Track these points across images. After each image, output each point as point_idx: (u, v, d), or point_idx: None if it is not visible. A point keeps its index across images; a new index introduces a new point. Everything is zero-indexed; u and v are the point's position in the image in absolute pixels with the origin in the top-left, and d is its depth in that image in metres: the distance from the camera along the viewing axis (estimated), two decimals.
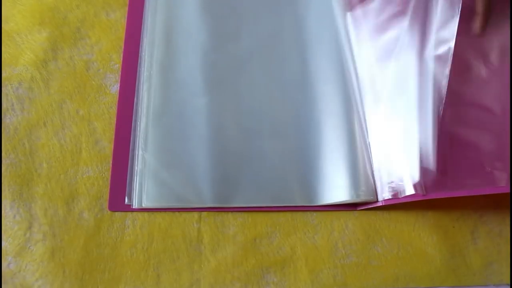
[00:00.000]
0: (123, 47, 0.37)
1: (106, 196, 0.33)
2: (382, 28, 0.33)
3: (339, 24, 0.36)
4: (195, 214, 0.33)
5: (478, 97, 0.32)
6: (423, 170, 0.29)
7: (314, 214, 0.33)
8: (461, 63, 0.33)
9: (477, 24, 0.33)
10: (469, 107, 0.32)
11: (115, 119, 0.35)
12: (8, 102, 0.35)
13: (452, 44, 0.30)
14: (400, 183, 0.29)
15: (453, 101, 0.31)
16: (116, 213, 0.33)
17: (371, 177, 0.32)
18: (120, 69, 0.36)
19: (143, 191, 0.32)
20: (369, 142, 0.33)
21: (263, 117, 0.35)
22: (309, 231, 0.33)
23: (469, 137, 0.31)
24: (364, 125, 0.33)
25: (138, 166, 0.33)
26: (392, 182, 0.30)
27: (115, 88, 0.36)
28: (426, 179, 0.28)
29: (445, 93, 0.30)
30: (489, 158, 0.30)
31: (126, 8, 0.38)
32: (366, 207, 0.33)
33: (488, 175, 0.29)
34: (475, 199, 0.33)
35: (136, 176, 0.32)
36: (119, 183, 0.33)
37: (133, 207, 0.32)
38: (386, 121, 0.32)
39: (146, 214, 0.33)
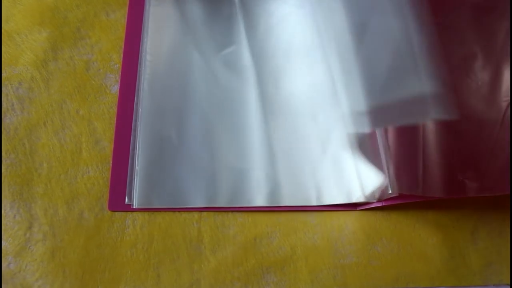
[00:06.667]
0: (123, 47, 0.37)
1: (106, 196, 0.33)
2: None
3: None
4: (195, 214, 0.33)
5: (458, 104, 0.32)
6: (400, 174, 0.29)
7: (314, 214, 0.33)
8: (442, 72, 0.33)
9: None
10: None
11: (115, 119, 0.35)
12: (8, 102, 0.35)
13: None
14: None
15: None
16: (116, 213, 0.33)
17: (371, 177, 0.32)
18: (120, 69, 0.36)
19: (142, 190, 0.32)
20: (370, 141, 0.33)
21: (263, 116, 0.35)
22: (309, 231, 0.33)
23: (444, 145, 0.31)
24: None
25: (138, 166, 0.33)
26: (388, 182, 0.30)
27: (115, 88, 0.36)
28: (401, 184, 0.28)
29: None
30: (462, 168, 0.30)
31: (126, 8, 0.38)
32: (366, 207, 0.33)
33: (459, 184, 0.29)
34: (475, 199, 0.34)
35: (136, 176, 0.32)
36: (119, 183, 0.33)
37: (133, 207, 0.32)
38: None
39: (146, 214, 0.33)
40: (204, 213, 0.33)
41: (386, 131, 0.30)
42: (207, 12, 0.38)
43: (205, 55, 0.36)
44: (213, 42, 0.37)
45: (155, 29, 0.37)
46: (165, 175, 0.33)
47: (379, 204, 0.31)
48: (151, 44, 0.36)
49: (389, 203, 0.30)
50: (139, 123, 0.34)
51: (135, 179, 0.32)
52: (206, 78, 0.36)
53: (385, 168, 0.29)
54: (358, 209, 0.33)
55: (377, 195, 0.31)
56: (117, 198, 0.33)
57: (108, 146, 0.34)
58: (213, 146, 0.33)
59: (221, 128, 0.34)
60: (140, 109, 0.34)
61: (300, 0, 0.37)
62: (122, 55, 0.37)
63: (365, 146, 0.32)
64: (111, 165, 0.33)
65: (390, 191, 0.29)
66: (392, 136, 0.30)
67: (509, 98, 0.32)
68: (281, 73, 0.36)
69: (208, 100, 0.35)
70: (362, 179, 0.31)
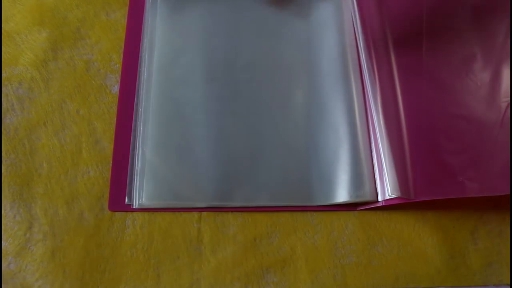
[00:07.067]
0: (123, 47, 0.37)
1: (106, 196, 0.33)
2: None
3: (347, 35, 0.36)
4: (195, 214, 0.33)
5: (455, 106, 0.32)
6: (400, 176, 0.29)
7: (314, 214, 0.33)
8: (442, 72, 0.33)
9: None
10: (447, 116, 0.32)
11: (115, 119, 0.35)
12: (8, 102, 0.35)
13: None
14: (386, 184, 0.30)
15: (432, 109, 0.32)
16: (116, 213, 0.33)
17: (371, 177, 0.32)
18: (120, 69, 0.36)
19: (142, 189, 0.32)
20: (370, 142, 0.33)
21: (263, 116, 0.35)
22: (309, 231, 0.33)
23: (444, 146, 0.31)
24: (365, 125, 0.33)
25: (138, 166, 0.33)
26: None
27: (115, 88, 0.36)
28: (401, 185, 0.29)
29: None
30: (462, 168, 0.30)
31: (126, 8, 0.38)
32: (366, 207, 0.33)
33: (459, 184, 0.29)
34: (475, 199, 0.34)
35: (136, 176, 0.32)
36: (119, 183, 0.33)
37: (133, 207, 0.32)
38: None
39: (146, 214, 0.33)
40: (204, 213, 0.33)
41: (385, 133, 0.30)
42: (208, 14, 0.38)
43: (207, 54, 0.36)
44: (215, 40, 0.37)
45: (157, 29, 0.37)
46: (172, 174, 0.33)
47: (379, 204, 0.31)
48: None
49: (389, 203, 0.30)
50: (138, 122, 0.34)
51: (135, 179, 0.32)
52: (212, 78, 0.36)
53: (384, 169, 0.29)
54: (358, 209, 0.33)
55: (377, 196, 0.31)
56: (117, 198, 0.33)
57: (108, 146, 0.34)
58: (213, 143, 0.33)
59: (230, 127, 0.34)
60: (140, 109, 0.34)
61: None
62: (122, 55, 0.37)
63: (365, 148, 0.33)
64: (111, 165, 0.33)
65: (389, 193, 0.29)
66: (386, 138, 0.30)
67: (509, 98, 0.32)
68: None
69: (214, 99, 0.35)
70: (363, 179, 0.31)
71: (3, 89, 0.36)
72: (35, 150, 0.34)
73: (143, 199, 0.32)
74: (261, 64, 0.36)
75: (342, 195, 0.32)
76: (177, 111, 0.34)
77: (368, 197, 0.31)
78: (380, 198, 0.31)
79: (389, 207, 0.33)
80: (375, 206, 0.32)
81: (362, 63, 0.33)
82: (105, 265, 0.31)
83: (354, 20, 0.35)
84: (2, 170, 0.33)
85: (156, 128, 0.34)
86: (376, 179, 0.32)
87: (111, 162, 0.34)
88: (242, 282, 0.31)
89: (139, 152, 0.33)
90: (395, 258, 0.32)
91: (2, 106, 0.35)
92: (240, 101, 0.35)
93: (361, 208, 0.33)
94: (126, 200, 0.32)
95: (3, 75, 0.36)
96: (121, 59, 0.37)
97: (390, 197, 0.29)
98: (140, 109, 0.34)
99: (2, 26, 0.38)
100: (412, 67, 0.33)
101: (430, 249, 0.32)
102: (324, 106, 0.35)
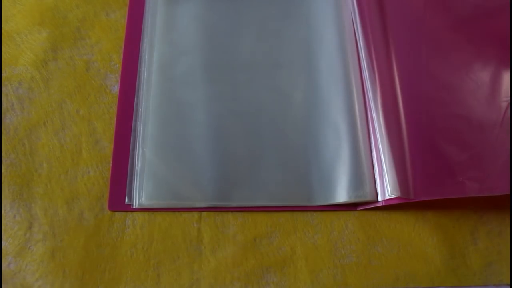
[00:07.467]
0: (123, 47, 0.37)
1: (106, 196, 0.33)
2: None
3: (346, 23, 0.36)
4: (195, 214, 0.33)
5: (456, 106, 0.32)
6: (399, 176, 0.29)
7: (314, 214, 0.33)
8: (442, 72, 0.33)
9: None
10: (447, 115, 0.32)
11: (115, 119, 0.35)
12: (8, 102, 0.35)
13: None
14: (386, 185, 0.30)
15: (432, 109, 0.32)
16: (116, 213, 0.33)
17: (371, 177, 0.32)
18: (120, 69, 0.36)
19: (142, 189, 0.32)
20: (370, 142, 0.33)
21: (263, 115, 0.35)
22: (309, 231, 0.33)
23: (444, 146, 0.31)
24: (365, 125, 0.33)
25: (138, 166, 0.33)
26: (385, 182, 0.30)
27: (115, 88, 0.36)
28: (401, 185, 0.29)
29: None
30: (462, 168, 0.30)
31: (126, 8, 0.38)
32: (366, 207, 0.33)
33: (459, 184, 0.29)
34: (475, 199, 0.34)
35: (136, 176, 0.32)
36: (119, 183, 0.33)
37: (133, 207, 0.32)
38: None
39: (146, 214, 0.33)
40: (204, 213, 0.33)
41: (385, 133, 0.30)
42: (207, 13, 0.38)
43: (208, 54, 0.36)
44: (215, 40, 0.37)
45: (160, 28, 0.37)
46: (172, 173, 0.33)
47: (379, 204, 0.31)
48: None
49: (389, 203, 0.30)
50: (138, 122, 0.34)
51: (135, 179, 0.32)
52: (212, 78, 0.36)
53: (384, 169, 0.29)
54: (358, 209, 0.33)
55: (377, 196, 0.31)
56: (117, 198, 0.33)
57: (108, 146, 0.34)
58: (213, 143, 0.33)
59: (230, 127, 0.34)
60: (140, 109, 0.34)
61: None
62: (122, 55, 0.37)
63: (365, 147, 0.33)
64: (111, 165, 0.33)
65: (389, 193, 0.29)
66: (387, 138, 0.30)
67: (509, 98, 0.32)
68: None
69: (214, 99, 0.35)
70: (362, 179, 0.31)
71: (3, 89, 0.36)
72: (35, 150, 0.34)
73: (143, 199, 0.32)
74: (261, 64, 0.36)
75: (342, 195, 0.32)
76: (177, 111, 0.34)
77: (368, 197, 0.31)
78: (380, 198, 0.31)
79: (389, 207, 0.33)
80: (375, 206, 0.32)
81: (362, 63, 0.33)
82: (105, 265, 0.31)
83: (354, 20, 0.35)
84: (2, 170, 0.33)
85: (156, 128, 0.34)
86: (376, 179, 0.32)
87: (111, 162, 0.34)
88: (242, 282, 0.31)
89: (139, 152, 0.33)
90: (395, 258, 0.32)
91: (2, 106, 0.35)
92: (240, 101, 0.35)
93: (361, 208, 0.33)
94: (126, 200, 0.32)
95: (3, 75, 0.36)
96: (121, 59, 0.37)
97: (390, 197, 0.29)
98: (140, 109, 0.34)
99: (2, 26, 0.38)
100: (412, 67, 0.33)
101: (430, 249, 0.32)
102: (324, 106, 0.35)
